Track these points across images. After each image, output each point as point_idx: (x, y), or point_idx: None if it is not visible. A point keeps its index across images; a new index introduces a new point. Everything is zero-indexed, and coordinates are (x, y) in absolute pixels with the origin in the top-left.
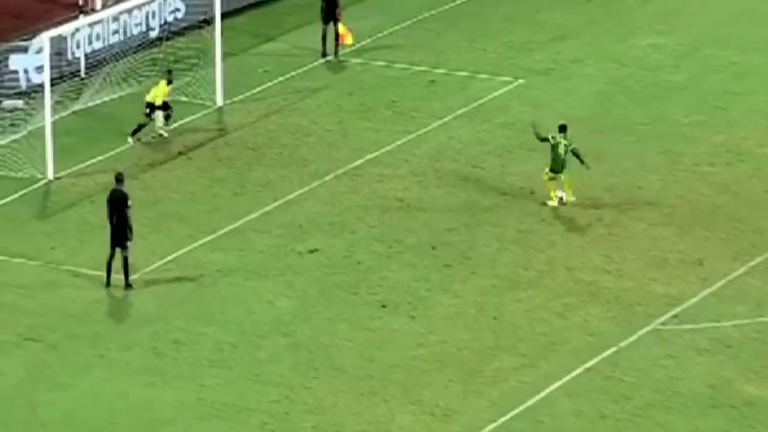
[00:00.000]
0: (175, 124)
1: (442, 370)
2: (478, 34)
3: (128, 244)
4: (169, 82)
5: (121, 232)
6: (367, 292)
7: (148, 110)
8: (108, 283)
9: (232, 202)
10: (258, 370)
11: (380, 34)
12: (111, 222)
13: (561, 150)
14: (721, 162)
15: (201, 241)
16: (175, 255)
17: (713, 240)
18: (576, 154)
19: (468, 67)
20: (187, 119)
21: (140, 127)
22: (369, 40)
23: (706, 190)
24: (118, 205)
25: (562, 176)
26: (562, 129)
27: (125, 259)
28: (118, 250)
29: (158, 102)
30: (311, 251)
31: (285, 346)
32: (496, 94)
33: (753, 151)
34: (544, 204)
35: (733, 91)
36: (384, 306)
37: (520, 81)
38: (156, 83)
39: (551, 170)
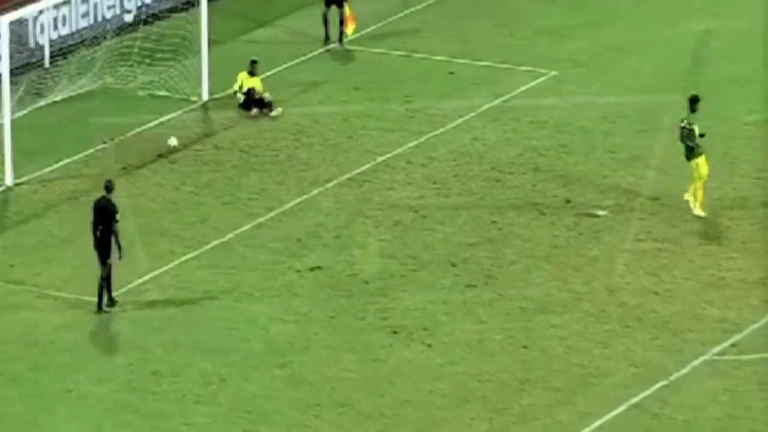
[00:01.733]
0: (155, 122)
1: (463, 406)
2: (506, 18)
3: (109, 261)
4: (251, 74)
5: (104, 247)
6: (377, 317)
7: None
8: (99, 307)
9: (221, 212)
10: (250, 407)
11: (392, 18)
12: (95, 234)
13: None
14: None
15: (184, 258)
16: (154, 273)
17: None
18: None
19: (494, 57)
20: (168, 116)
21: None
22: (380, 25)
23: None
24: (102, 216)
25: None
26: (694, 101)
27: (102, 279)
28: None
29: (257, 95)
30: (312, 269)
31: (282, 379)
32: (525, 88)
33: None
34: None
35: None
36: (396, 332)
37: (554, 73)
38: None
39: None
